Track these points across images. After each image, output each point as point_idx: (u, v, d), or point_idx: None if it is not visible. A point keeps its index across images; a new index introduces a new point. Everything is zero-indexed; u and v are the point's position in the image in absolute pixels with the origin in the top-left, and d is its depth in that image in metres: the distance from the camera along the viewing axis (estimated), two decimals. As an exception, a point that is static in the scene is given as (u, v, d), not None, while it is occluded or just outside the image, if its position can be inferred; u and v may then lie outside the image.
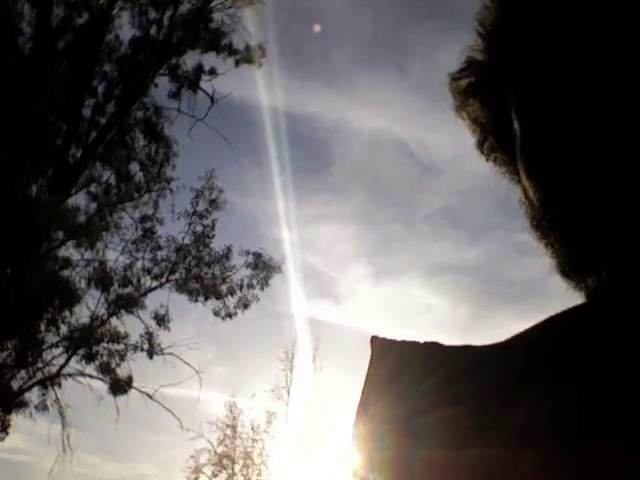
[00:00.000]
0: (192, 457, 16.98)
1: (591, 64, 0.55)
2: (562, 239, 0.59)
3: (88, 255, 14.82)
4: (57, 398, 14.24)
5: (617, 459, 0.46)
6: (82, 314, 14.57)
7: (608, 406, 0.48)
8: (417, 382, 0.60)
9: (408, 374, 0.62)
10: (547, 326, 0.58)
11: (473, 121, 0.70)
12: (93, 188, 14.74)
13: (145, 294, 15.52)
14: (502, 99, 0.65)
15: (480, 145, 0.71)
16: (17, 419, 13.84)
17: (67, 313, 14.12)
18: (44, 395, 14.21)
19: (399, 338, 0.66)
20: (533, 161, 0.60)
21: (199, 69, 15.05)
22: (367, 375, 0.66)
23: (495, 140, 0.70)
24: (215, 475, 17.08)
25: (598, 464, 0.46)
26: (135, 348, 15.05)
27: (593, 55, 0.55)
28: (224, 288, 15.90)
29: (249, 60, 15.11)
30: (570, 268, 0.61)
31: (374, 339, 0.67)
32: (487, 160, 0.71)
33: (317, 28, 17.14)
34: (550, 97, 0.57)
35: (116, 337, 14.91)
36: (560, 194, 0.57)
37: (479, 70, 0.68)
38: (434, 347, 0.63)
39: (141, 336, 15.21)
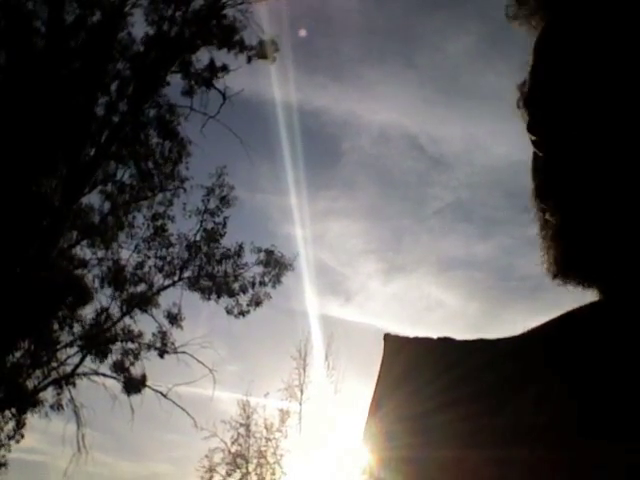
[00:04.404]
0: (206, 456, 16.99)
1: (608, 69, 0.54)
2: (560, 238, 0.59)
3: (100, 254, 14.91)
4: (72, 397, 14.37)
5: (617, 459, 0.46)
6: (96, 313, 14.68)
7: (610, 407, 0.48)
8: (430, 381, 0.60)
9: (421, 373, 0.62)
10: (562, 322, 0.58)
11: None
12: (107, 187, 14.80)
13: (158, 292, 15.59)
14: None
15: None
16: (32, 419, 14.00)
17: (81, 312, 14.22)
18: (59, 394, 14.34)
19: (412, 335, 0.66)
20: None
21: (211, 66, 15.06)
22: (380, 373, 0.66)
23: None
24: (229, 474, 17.09)
25: (598, 463, 0.46)
26: (149, 347, 15.12)
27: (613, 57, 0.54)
28: (236, 286, 15.95)
29: (262, 56, 15.10)
30: (564, 269, 0.59)
31: (387, 337, 0.67)
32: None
33: (303, 33, 17.05)
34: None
35: (130, 336, 14.99)
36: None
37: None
38: (447, 343, 0.63)
39: (154, 335, 15.30)
